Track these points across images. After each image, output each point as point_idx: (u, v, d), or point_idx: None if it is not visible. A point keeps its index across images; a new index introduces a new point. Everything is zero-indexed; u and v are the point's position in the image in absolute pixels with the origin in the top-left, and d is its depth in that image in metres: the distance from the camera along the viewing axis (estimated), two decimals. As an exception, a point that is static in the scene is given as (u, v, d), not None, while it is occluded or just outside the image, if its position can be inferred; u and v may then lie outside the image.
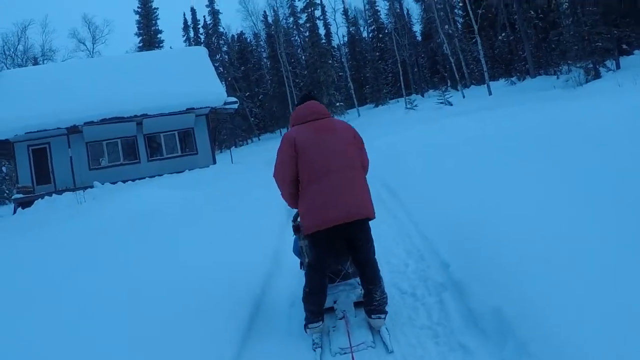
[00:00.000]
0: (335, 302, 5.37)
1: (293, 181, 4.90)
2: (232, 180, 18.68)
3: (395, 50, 55.37)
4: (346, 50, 72.01)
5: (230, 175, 21.32)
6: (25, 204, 23.76)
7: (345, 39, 73.37)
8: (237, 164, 29.11)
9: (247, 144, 67.99)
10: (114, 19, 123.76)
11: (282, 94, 65.10)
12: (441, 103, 40.24)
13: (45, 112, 25.79)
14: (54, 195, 23.42)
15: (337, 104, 51.15)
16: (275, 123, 68.44)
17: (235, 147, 65.68)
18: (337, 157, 4.77)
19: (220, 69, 68.22)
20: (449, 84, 54.01)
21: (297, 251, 5.88)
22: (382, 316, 4.82)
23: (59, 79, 28.68)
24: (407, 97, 49.60)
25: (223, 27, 73.06)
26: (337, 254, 5.14)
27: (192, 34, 74.29)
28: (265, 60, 73.33)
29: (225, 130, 64.88)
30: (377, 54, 69.26)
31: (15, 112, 25.82)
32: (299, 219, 5.20)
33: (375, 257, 5.01)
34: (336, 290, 5.53)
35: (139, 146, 28.21)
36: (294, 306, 5.68)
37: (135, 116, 26.78)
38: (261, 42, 74.61)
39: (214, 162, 28.80)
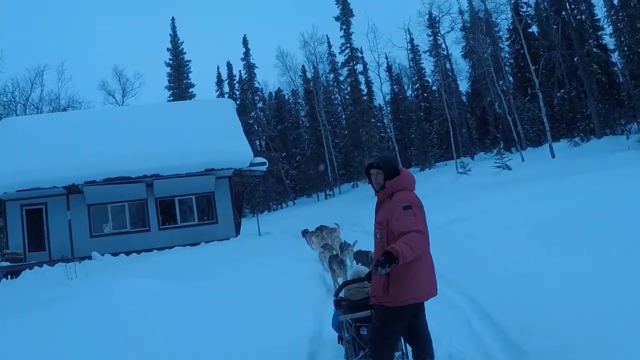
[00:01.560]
0: None
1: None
2: (252, 265, 14.73)
3: (445, 107, 51.30)
4: (389, 109, 68.22)
5: (251, 256, 17.34)
6: (12, 273, 20.39)
7: (389, 97, 69.68)
8: (265, 236, 25.07)
9: (282, 207, 64.20)
10: (147, 71, 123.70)
11: (320, 154, 61.56)
12: (498, 167, 36.09)
13: (43, 167, 22.74)
14: (44, 265, 19.97)
15: (380, 166, 46.93)
16: (312, 186, 64.53)
17: (269, 211, 62.10)
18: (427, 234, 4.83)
19: (255, 126, 65.35)
20: (501, 146, 49.81)
21: (337, 326, 6.07)
22: None
23: (65, 130, 25.59)
24: (458, 160, 45.36)
25: (259, 83, 70.64)
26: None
27: (226, 88, 71.88)
28: (303, 119, 69.99)
29: (259, 192, 61.33)
30: (422, 113, 65.47)
31: (9, 165, 22.76)
32: (341, 293, 6.01)
33: None
34: None
35: (149, 211, 24.57)
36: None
37: (145, 176, 23.23)
38: (299, 100, 71.54)
39: (237, 233, 24.81)
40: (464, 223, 14.92)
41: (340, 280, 10.64)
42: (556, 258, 8.24)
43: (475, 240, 11.97)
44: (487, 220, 14.04)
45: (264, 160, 25.29)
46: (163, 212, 24.72)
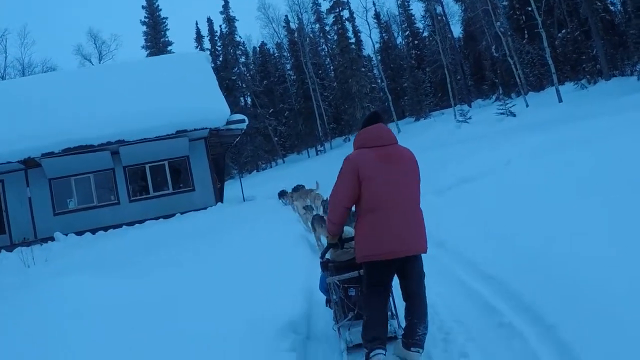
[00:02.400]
0: None
1: (348, 207, 4.93)
2: (232, 237, 13.00)
3: (440, 53, 48.39)
4: (379, 59, 64.99)
5: (231, 226, 15.15)
6: (-33, 262, 17.71)
7: (378, 45, 66.34)
8: (248, 202, 22.72)
9: (271, 166, 61.63)
10: (123, 32, 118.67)
11: (309, 109, 58.74)
12: (501, 114, 33.57)
13: (-3, 139, 20.03)
14: (2, 251, 17.51)
15: (373, 118, 44.31)
16: (301, 142, 61.78)
17: (258, 170, 59.66)
18: (401, 189, 4.79)
19: (239, 83, 62.24)
20: (500, 92, 47.22)
21: (324, 288, 6.09)
22: (421, 350, 4.81)
23: (19, 97, 22.82)
24: (456, 108, 42.79)
25: (240, 37, 67.11)
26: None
27: (207, 44, 68.46)
28: (289, 72, 66.71)
29: (246, 152, 58.73)
30: (413, 61, 62.52)
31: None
32: (327, 256, 5.83)
33: (425, 293, 4.99)
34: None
35: (117, 182, 22.02)
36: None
37: (109, 143, 20.57)
38: (284, 53, 68.17)
39: (218, 201, 22.34)
40: (479, 183, 12.48)
41: (324, 239, 10.36)
42: (619, 236, 5.76)
43: (499, 205, 9.53)
44: (507, 179, 11.61)
45: (243, 117, 22.58)
46: (133, 181, 22.21)
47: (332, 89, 62.71)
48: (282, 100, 65.58)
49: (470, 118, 36.08)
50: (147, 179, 22.19)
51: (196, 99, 21.84)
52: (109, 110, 21.15)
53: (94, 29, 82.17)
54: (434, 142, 30.26)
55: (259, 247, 10.41)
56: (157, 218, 20.50)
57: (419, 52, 64.67)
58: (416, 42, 65.82)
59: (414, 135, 36.66)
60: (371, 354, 4.68)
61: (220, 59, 65.79)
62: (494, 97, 48.13)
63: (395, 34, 71.91)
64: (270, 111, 63.70)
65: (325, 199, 14.70)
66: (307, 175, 28.05)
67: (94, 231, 19.81)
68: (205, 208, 21.07)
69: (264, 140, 60.95)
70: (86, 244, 17.36)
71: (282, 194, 22.18)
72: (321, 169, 32.50)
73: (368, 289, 4.95)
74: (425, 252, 4.89)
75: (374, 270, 4.87)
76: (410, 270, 4.90)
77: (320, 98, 57.12)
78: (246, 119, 22.82)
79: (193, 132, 21.20)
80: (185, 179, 22.57)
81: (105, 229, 20.10)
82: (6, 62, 54.51)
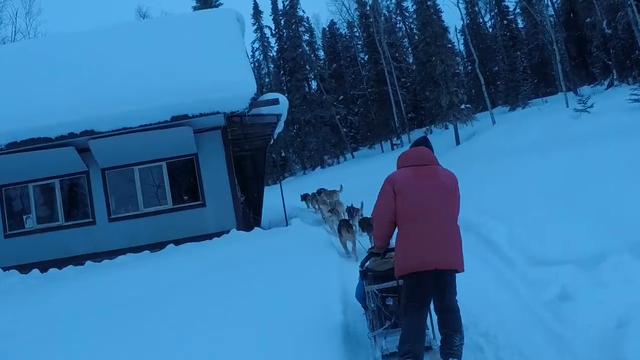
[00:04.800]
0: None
1: (391, 222, 5.22)
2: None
3: (548, 28, 39.66)
4: (464, 37, 56.54)
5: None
6: None
7: (463, 22, 57.69)
8: (290, 229, 15.59)
9: (338, 162, 54.28)
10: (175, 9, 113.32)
11: (383, 95, 50.91)
12: (636, 100, 25.06)
13: None
14: None
15: (462, 105, 36.20)
16: (374, 134, 53.84)
17: (322, 167, 52.53)
18: (435, 205, 5.04)
19: (301, 63, 55.08)
20: (614, 76, 38.51)
21: (361, 296, 6.32)
22: None
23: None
24: (568, 95, 34.27)
25: (303, 11, 59.49)
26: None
27: (266, 21, 61.51)
28: (361, 55, 59.02)
29: (312, 144, 51.80)
30: (507, 41, 53.95)
31: None
32: (366, 264, 6.11)
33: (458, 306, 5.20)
34: (399, 335, 5.57)
35: (92, 192, 15.32)
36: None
37: (72, 134, 13.99)
38: (356, 33, 60.52)
39: (240, 224, 15.26)
40: None
41: (349, 245, 11.64)
42: None
43: None
44: None
45: (277, 95, 15.30)
46: (115, 192, 15.39)
47: (410, 74, 55.07)
48: (354, 86, 58.11)
49: (591, 106, 27.58)
50: (136, 188, 15.33)
51: (209, 71, 14.88)
52: (79, 89, 14.60)
53: (143, 8, 76.56)
54: (544, 139, 22.44)
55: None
56: (150, 246, 14.32)
57: (507, 33, 55.98)
58: (505, 22, 57.06)
59: (514, 130, 28.58)
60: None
61: (284, 41, 58.94)
62: (606, 83, 39.35)
63: (483, 12, 63.28)
64: (340, 98, 56.42)
65: (351, 205, 15.04)
66: (379, 174, 20.64)
67: (61, 264, 13.88)
68: (219, 234, 14.22)
69: (330, 132, 53.67)
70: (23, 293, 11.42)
71: (304, 197, 22.58)
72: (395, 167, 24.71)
73: (405, 305, 5.09)
74: (461, 270, 5.10)
75: (409, 284, 5.07)
76: (443, 285, 5.02)
77: (397, 83, 49.26)
78: (283, 99, 15.70)
79: (199, 118, 14.21)
80: (191, 189, 15.57)
81: (78, 260, 14.09)
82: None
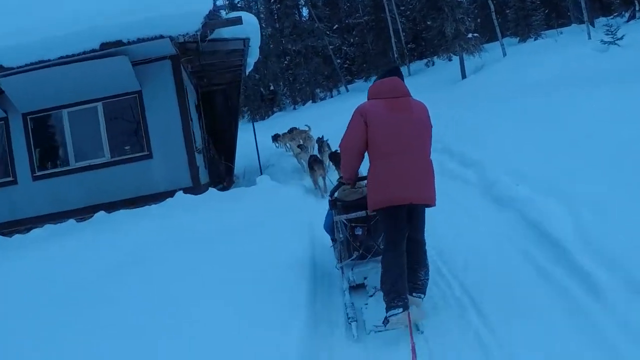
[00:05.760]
0: (365, 279, 5.75)
1: (359, 154, 5.16)
2: None
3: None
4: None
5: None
6: None
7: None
8: (260, 185, 12.35)
9: (331, 96, 50.76)
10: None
11: (381, 22, 46.93)
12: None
13: None
14: None
15: (469, 34, 32.57)
16: (371, 66, 49.83)
17: (314, 101, 49.16)
18: (409, 138, 4.96)
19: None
20: (636, 7, 34.93)
21: (329, 227, 6.23)
22: (422, 296, 5.04)
23: None
24: (590, 25, 30.69)
25: None
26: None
27: None
28: (356, -23, 54.66)
29: (303, 77, 48.28)
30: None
31: None
32: (336, 194, 5.95)
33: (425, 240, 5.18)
34: (367, 267, 5.79)
35: (12, 144, 12.27)
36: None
37: (-31, 68, 10.71)
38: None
39: (196, 180, 12.22)
40: None
41: (321, 181, 11.88)
42: None
43: None
44: None
45: (240, 14, 11.87)
46: (40, 143, 12.25)
47: (410, 0, 51.16)
48: (349, 14, 53.85)
49: (621, 38, 24.07)
50: (66, 137, 12.20)
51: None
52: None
53: None
54: (567, 74, 19.14)
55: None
56: (83, 211, 11.52)
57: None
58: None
59: (529, 63, 25.00)
60: (388, 314, 4.70)
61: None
62: (626, 15, 35.78)
63: None
64: (334, 27, 52.50)
65: (321, 137, 15.33)
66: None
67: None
68: (171, 194, 11.35)
69: (322, 63, 49.89)
70: None
71: (275, 138, 21.83)
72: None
73: (388, 237, 5.03)
74: (432, 204, 5.08)
75: (386, 217, 5.00)
76: (415, 219, 5.06)
77: (397, 11, 45.40)
78: (251, 19, 12.55)
79: (138, 45, 10.96)
80: (134, 137, 12.41)
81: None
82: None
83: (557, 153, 8.03)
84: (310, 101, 49.85)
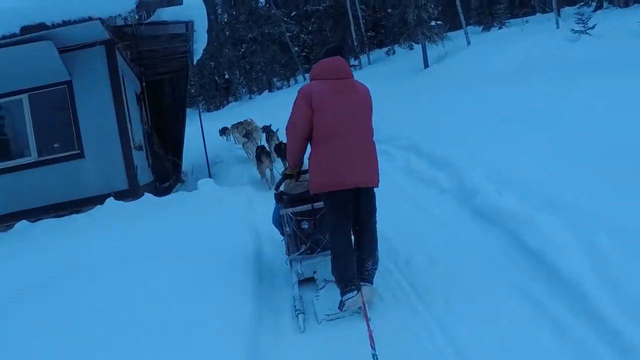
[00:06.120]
0: (315, 273, 5.68)
1: (305, 138, 5.04)
2: None
3: None
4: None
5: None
6: None
7: None
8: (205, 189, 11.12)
9: (289, 85, 49.49)
10: None
11: (340, 8, 45.74)
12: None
13: None
14: None
15: (432, 22, 31.48)
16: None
17: (270, 90, 47.94)
18: (355, 121, 4.94)
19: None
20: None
21: (277, 221, 6.15)
22: (370, 285, 4.93)
23: None
24: (568, 12, 30.06)
25: None
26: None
27: None
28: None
29: (259, 65, 46.86)
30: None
31: None
32: (281, 188, 5.95)
33: (376, 227, 5.08)
34: (315, 260, 5.76)
35: None
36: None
37: None
38: None
39: (133, 181, 10.98)
40: None
41: (268, 172, 11.96)
42: None
43: None
44: None
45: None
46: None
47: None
48: (306, 1, 52.47)
49: (592, 28, 23.27)
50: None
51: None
52: None
53: None
54: (539, 63, 18.27)
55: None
56: (3, 220, 10.28)
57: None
58: None
59: (495, 52, 24.02)
60: (344, 298, 4.72)
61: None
62: (593, 4, 35.29)
63: None
64: (292, 14, 51.22)
65: (269, 126, 15.29)
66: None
67: None
68: (106, 197, 10.10)
69: (279, 51, 48.62)
70: None
71: (222, 131, 21.40)
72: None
73: (332, 226, 4.97)
74: (376, 186, 5.05)
75: (332, 204, 4.94)
76: (363, 203, 4.97)
77: (356, -3, 44.40)
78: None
79: (65, 29, 9.62)
80: (63, 134, 11.07)
81: None
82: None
83: (541, 151, 7.07)
84: (267, 90, 48.64)
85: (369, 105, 5.12)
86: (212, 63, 53.50)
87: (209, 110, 52.23)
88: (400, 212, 7.00)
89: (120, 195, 10.42)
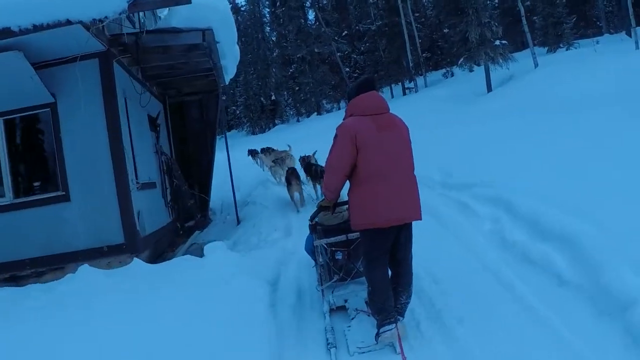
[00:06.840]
0: (346, 302, 5.77)
1: (347, 175, 5.01)
2: None
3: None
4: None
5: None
6: None
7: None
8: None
9: (338, 108, 47.39)
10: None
11: (395, 27, 43.32)
12: None
13: None
14: None
15: (497, 42, 28.96)
16: (383, 75, 46.34)
17: (319, 113, 46.10)
18: (398, 157, 4.95)
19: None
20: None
21: (310, 250, 6.28)
22: (401, 319, 4.97)
23: None
24: (627, 35, 27.49)
25: None
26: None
27: None
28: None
29: (308, 86, 45.02)
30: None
31: None
32: (316, 219, 6.08)
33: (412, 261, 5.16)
34: (347, 289, 5.89)
35: None
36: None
37: None
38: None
39: (132, 235, 8.61)
40: None
41: (297, 196, 12.24)
42: None
43: None
44: None
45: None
46: None
47: (427, 5, 48.08)
48: (359, 20, 50.53)
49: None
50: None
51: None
52: None
53: None
54: (625, 88, 15.55)
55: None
56: None
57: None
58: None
59: (569, 75, 21.30)
60: (381, 330, 4.78)
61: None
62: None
63: None
64: (344, 34, 49.43)
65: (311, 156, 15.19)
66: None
67: None
68: (93, 254, 8.25)
69: (329, 72, 46.70)
70: None
71: (252, 154, 21.94)
72: (408, 118, 17.57)
73: (370, 260, 5.00)
74: (420, 219, 5.04)
75: (373, 239, 4.93)
76: (403, 237, 5.01)
77: (411, 12, 42.13)
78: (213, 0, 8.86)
79: (38, 35, 7.37)
80: (45, 170, 8.86)
81: None
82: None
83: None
84: (315, 113, 46.68)
85: (408, 140, 5.10)
86: (260, 83, 52.07)
87: (253, 133, 50.75)
88: (500, 321, 4.54)
89: (114, 251, 8.26)
